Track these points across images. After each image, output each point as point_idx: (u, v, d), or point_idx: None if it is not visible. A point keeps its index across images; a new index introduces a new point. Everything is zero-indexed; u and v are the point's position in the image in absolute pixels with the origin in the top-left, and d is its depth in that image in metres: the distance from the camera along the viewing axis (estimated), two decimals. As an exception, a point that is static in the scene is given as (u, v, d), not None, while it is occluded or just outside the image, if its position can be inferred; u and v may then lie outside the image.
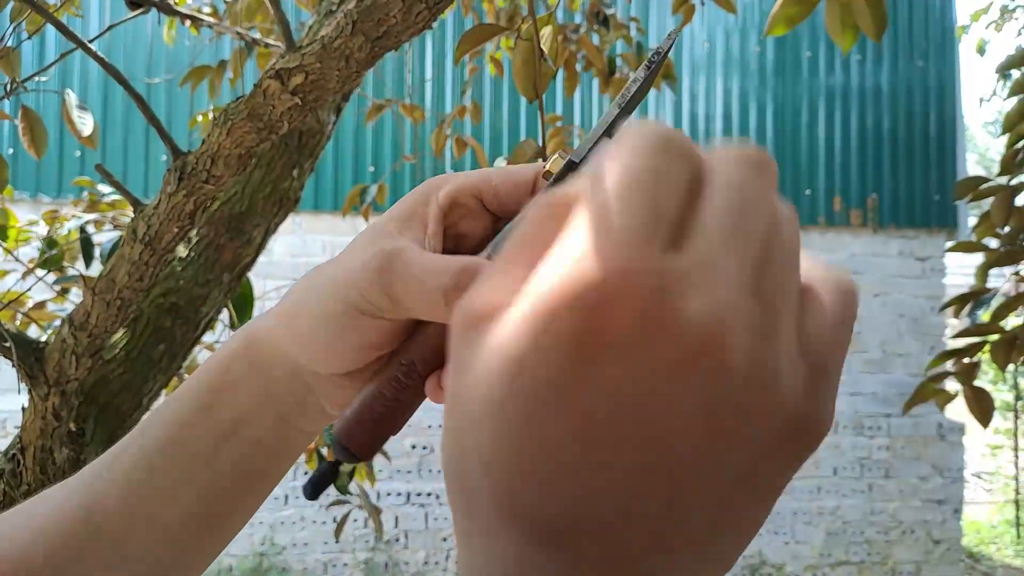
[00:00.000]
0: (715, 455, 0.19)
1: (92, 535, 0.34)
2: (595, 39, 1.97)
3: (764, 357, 0.19)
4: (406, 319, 0.32)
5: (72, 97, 1.14)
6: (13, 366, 0.79)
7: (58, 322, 1.38)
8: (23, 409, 0.88)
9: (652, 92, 4.18)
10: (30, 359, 0.78)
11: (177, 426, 0.35)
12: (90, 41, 0.82)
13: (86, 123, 1.15)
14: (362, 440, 0.33)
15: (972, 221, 4.50)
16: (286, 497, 3.74)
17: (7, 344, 0.77)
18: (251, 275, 1.19)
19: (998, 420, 5.94)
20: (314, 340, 0.33)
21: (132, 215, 1.41)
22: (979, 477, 6.38)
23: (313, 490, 0.34)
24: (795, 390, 0.20)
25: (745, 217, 0.19)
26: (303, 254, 3.79)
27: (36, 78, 1.06)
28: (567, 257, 0.19)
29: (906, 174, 4.30)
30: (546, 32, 0.74)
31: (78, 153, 3.63)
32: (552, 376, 0.19)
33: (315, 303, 0.33)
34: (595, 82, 3.84)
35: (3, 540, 0.34)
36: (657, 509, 0.20)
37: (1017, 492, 5.63)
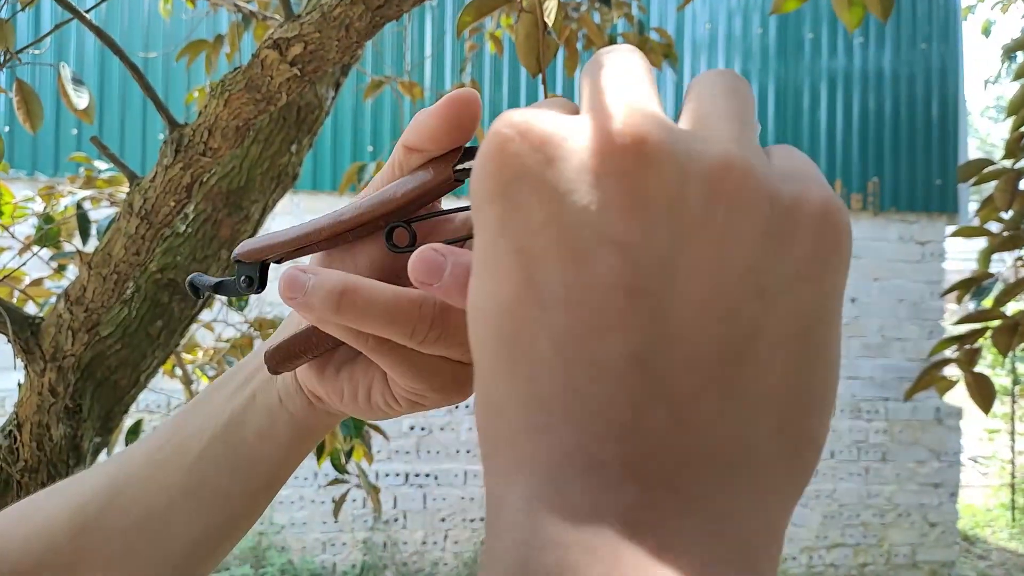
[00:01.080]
0: (678, 250, 0.18)
1: (114, 497, 0.35)
2: (596, 17, 1.95)
3: (677, 137, 0.19)
4: None
5: (67, 70, 1.12)
6: (8, 341, 0.78)
7: (55, 298, 1.37)
8: (19, 385, 0.87)
9: (653, 73, 4.14)
10: (26, 334, 0.77)
11: (204, 395, 0.37)
12: (86, 12, 0.80)
13: (82, 96, 1.14)
14: (254, 248, 0.33)
15: (973, 206, 4.50)
16: (284, 477, 3.74)
17: (2, 319, 0.76)
18: (249, 253, 1.18)
19: (996, 404, 5.96)
20: None
21: (128, 190, 1.39)
22: (976, 461, 6.41)
23: (192, 287, 0.34)
24: (743, 157, 0.18)
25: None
26: (301, 234, 3.78)
27: (31, 50, 1.05)
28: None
29: (907, 158, 4.28)
30: (550, 5, 0.72)
31: (75, 131, 3.60)
32: (485, 224, 0.20)
33: None
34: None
35: (34, 506, 0.37)
36: (640, 342, 0.17)
37: (1013, 476, 5.66)
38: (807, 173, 0.20)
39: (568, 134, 0.19)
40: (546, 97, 0.85)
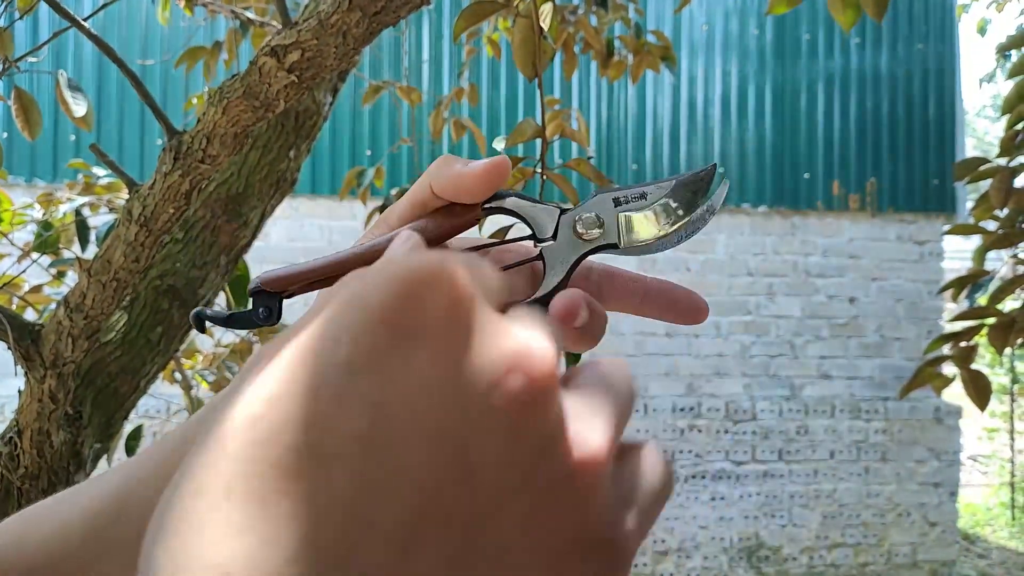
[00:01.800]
0: (507, 493, 0.17)
1: (122, 508, 0.36)
2: (593, 21, 1.95)
3: (574, 423, 0.18)
4: None
5: (64, 77, 1.13)
6: (9, 348, 0.78)
7: (54, 305, 1.38)
8: (19, 392, 0.88)
9: (650, 76, 4.15)
10: (26, 341, 0.77)
11: (211, 408, 0.37)
12: (84, 19, 0.81)
13: (80, 104, 1.14)
14: (279, 277, 0.33)
15: (971, 205, 4.50)
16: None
17: (3, 326, 0.76)
18: (249, 260, 1.19)
19: (995, 403, 5.97)
20: None
21: (127, 197, 1.40)
22: (975, 460, 6.42)
23: (197, 320, 0.33)
24: (601, 495, 0.19)
25: None
26: (300, 239, 3.78)
27: (29, 58, 1.05)
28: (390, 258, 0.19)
29: (905, 158, 4.29)
30: (545, 9, 0.73)
31: (73, 137, 3.60)
32: (350, 357, 0.17)
33: None
34: (593, 65, 3.82)
35: (51, 510, 0.37)
36: (439, 547, 0.16)
37: (1012, 475, 5.67)
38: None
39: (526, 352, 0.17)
40: (542, 98, 0.85)
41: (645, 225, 0.36)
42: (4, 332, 0.76)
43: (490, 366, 0.17)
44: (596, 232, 0.35)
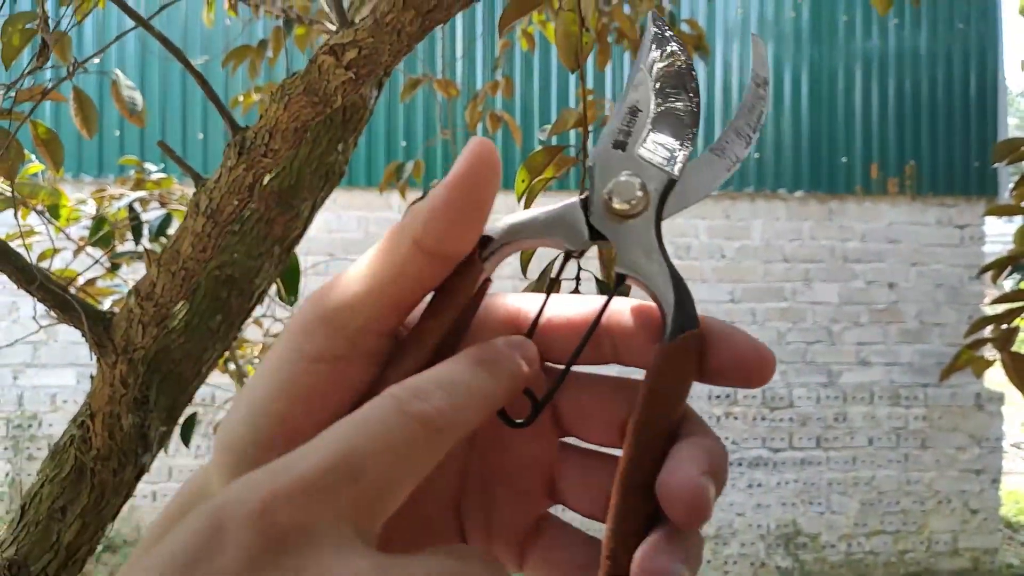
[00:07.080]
0: None
1: None
2: (627, 10, 1.96)
3: None
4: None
5: (122, 77, 1.18)
6: (83, 335, 0.83)
7: (112, 297, 1.44)
8: (91, 377, 0.93)
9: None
10: (99, 328, 0.82)
11: None
12: (148, 19, 0.85)
13: (136, 102, 1.19)
14: None
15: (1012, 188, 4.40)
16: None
17: (77, 314, 0.81)
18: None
19: (1038, 390, 5.84)
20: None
21: (175, 193, 1.45)
22: (1019, 447, 6.30)
23: None
24: None
25: None
26: (339, 230, 3.84)
27: (92, 61, 1.10)
28: None
29: (945, 140, 4.22)
30: (587, 1, 0.75)
31: (117, 132, 3.70)
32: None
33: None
34: (627, 54, 3.81)
35: None
36: None
37: (1058, 462, 5.56)
38: None
39: None
40: (584, 90, 0.87)
41: (672, 130, 0.26)
42: (79, 320, 0.81)
43: None
44: (636, 183, 0.25)
